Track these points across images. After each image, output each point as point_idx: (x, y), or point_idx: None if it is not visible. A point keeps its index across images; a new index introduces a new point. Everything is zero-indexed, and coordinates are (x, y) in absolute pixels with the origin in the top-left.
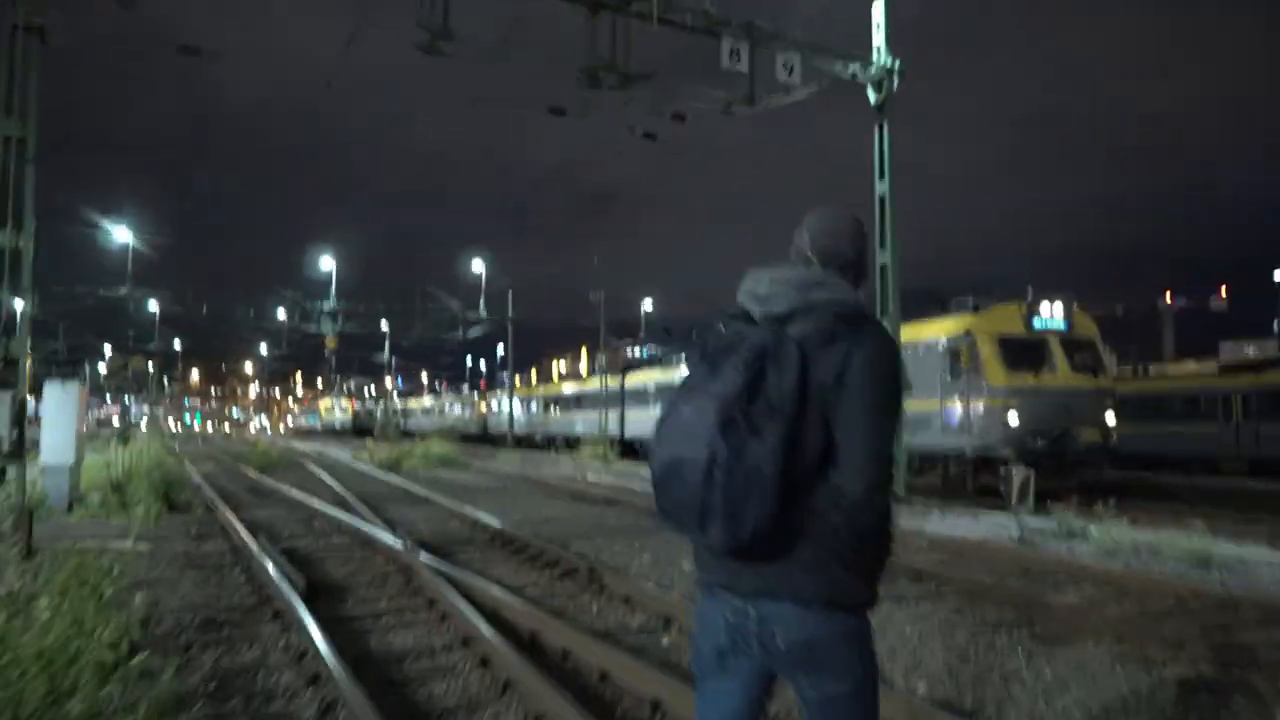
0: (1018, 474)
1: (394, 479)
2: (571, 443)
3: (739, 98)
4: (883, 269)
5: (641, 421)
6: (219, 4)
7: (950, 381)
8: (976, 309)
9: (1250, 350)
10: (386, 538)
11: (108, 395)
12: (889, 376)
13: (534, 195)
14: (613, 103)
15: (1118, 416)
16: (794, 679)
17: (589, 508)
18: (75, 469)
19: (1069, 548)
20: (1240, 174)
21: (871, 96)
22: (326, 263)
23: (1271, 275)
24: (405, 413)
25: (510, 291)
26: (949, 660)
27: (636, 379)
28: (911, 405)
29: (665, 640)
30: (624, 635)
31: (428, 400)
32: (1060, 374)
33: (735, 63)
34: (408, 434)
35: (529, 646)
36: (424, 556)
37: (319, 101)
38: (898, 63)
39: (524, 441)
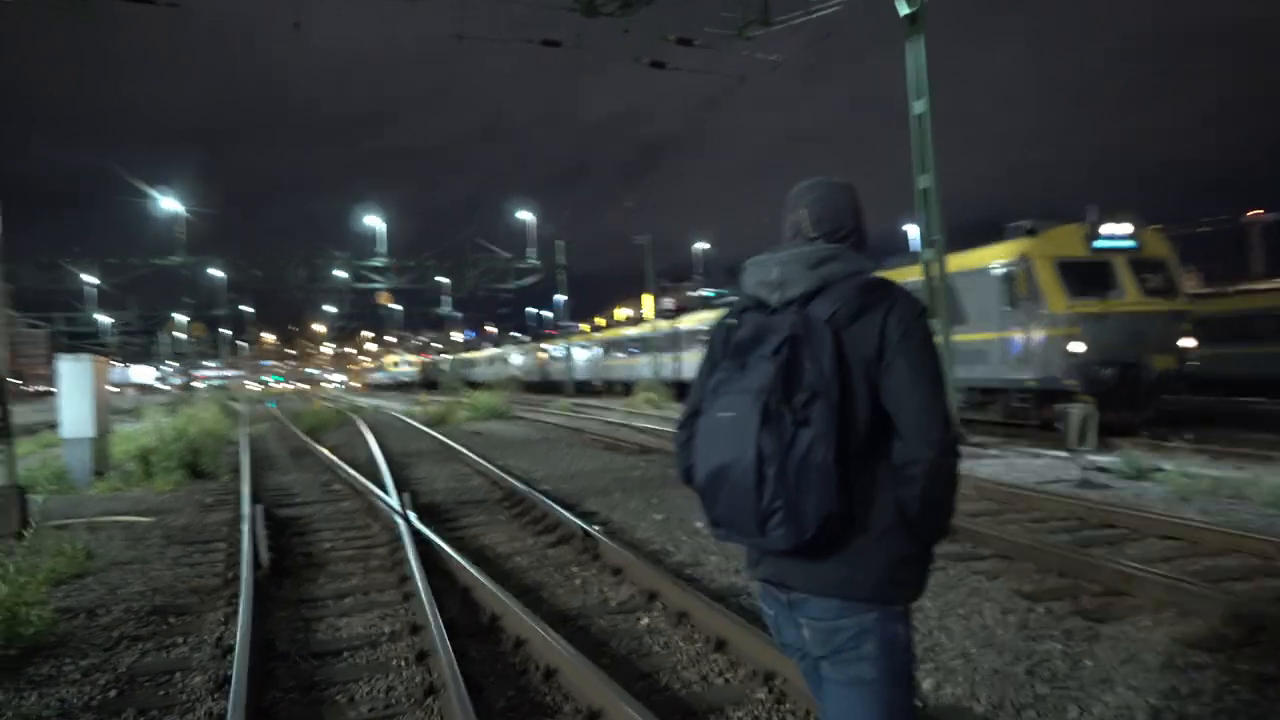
0: (1076, 411)
1: (437, 434)
2: (630, 388)
3: (753, 19)
4: (924, 192)
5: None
6: None
7: (1008, 310)
8: (1032, 232)
9: None
10: (394, 503)
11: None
12: (928, 337)
13: (589, 150)
14: (614, 32)
15: (1200, 340)
16: (820, 663)
17: (621, 459)
18: (100, 440)
19: (1137, 491)
20: None
21: (902, 7)
22: (375, 220)
23: None
24: (470, 363)
25: (559, 240)
26: (969, 646)
27: (693, 321)
28: (969, 336)
29: (644, 621)
30: (599, 616)
31: (490, 351)
32: (1128, 297)
33: None
34: (472, 384)
35: (485, 634)
36: (419, 524)
37: (364, 70)
38: None
39: (583, 388)
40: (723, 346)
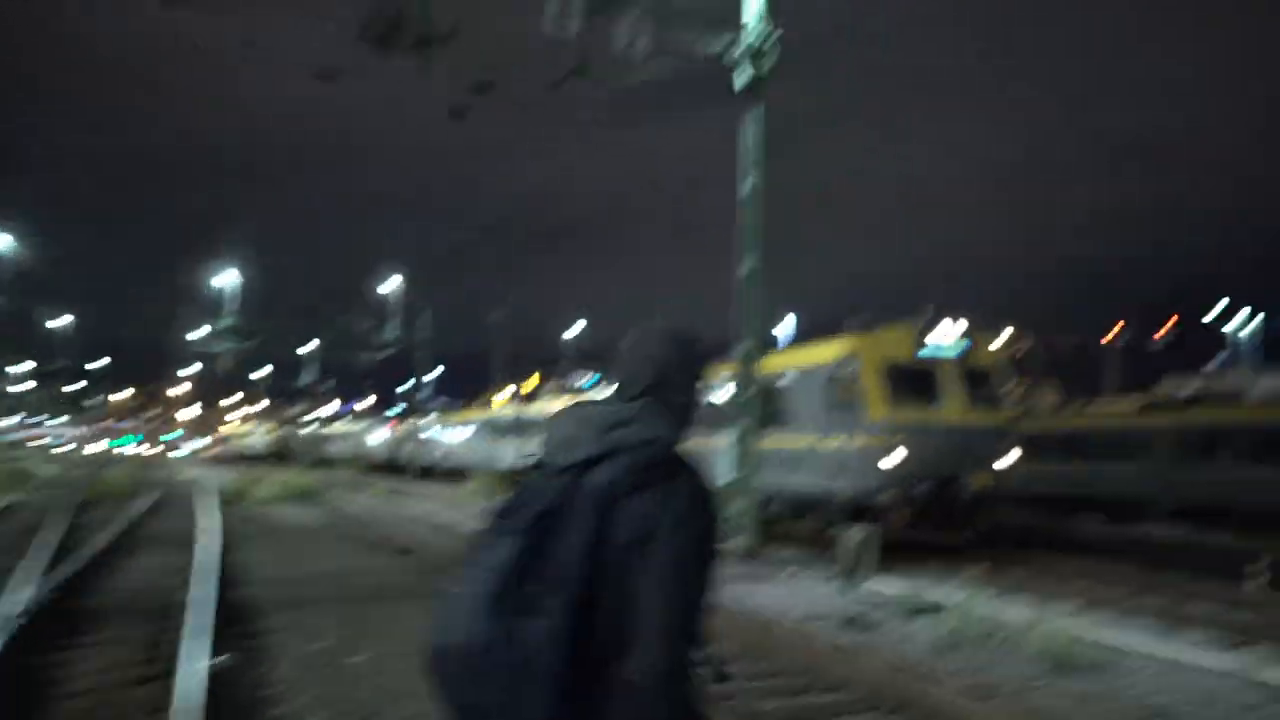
0: (852, 534)
1: (207, 516)
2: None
3: (568, 71)
4: (749, 275)
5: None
6: None
7: (829, 415)
8: (865, 331)
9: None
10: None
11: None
12: (704, 535)
13: (501, 225)
14: (404, 71)
15: (1035, 456)
16: None
17: (373, 559)
18: None
19: (905, 635)
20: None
21: (740, 79)
22: (226, 278)
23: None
24: (324, 439)
25: (429, 310)
26: None
27: (539, 407)
28: (791, 441)
29: None
30: None
31: (344, 426)
32: (952, 408)
33: (563, 29)
34: (323, 461)
35: None
36: None
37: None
38: (772, 35)
39: (429, 472)
40: (494, 513)
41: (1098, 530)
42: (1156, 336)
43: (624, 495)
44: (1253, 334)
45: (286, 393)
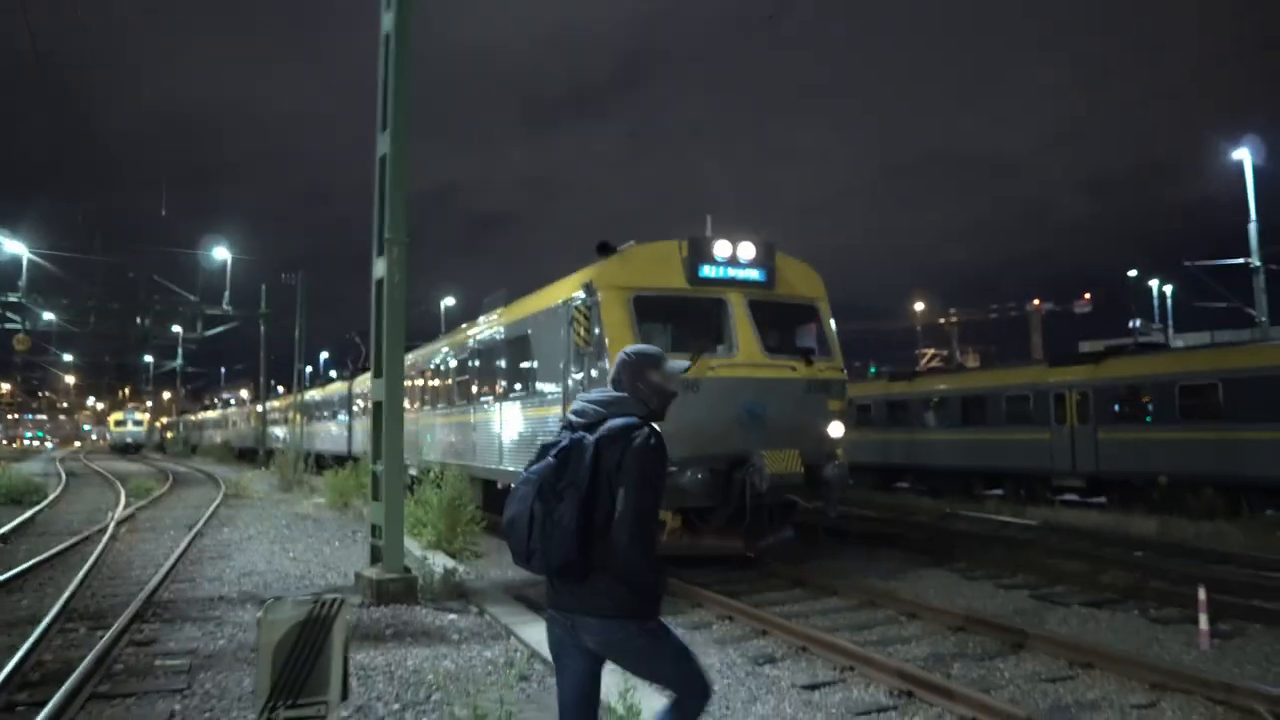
0: (277, 612)
1: None
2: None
3: None
4: (381, 161)
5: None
6: None
7: (570, 368)
8: (606, 250)
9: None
10: None
11: None
12: (647, 465)
13: (419, 216)
14: None
15: (921, 424)
16: (616, 663)
17: None
18: None
19: None
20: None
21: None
22: (15, 246)
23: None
24: (200, 425)
25: (264, 286)
26: None
27: (338, 387)
28: (524, 412)
29: None
30: None
31: (215, 412)
32: (742, 356)
33: None
34: (193, 449)
35: None
36: None
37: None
38: None
39: (272, 456)
40: (543, 446)
41: (969, 523)
42: (1084, 302)
43: (610, 442)
44: (1160, 302)
45: (193, 383)
